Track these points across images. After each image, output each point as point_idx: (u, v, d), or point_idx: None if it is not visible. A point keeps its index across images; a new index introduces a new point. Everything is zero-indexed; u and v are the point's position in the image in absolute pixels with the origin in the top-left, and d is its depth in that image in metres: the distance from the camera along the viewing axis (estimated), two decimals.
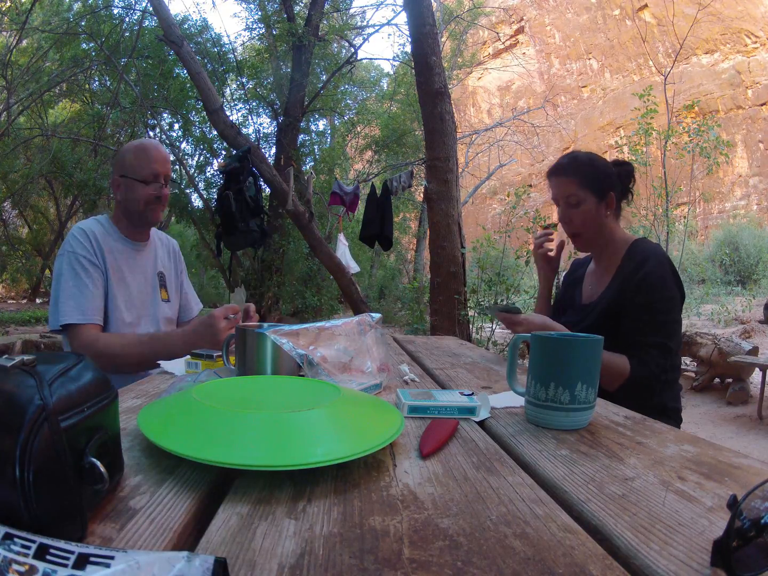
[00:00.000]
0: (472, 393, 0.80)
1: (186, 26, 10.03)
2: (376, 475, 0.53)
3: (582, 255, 1.62)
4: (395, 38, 21.98)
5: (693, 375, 5.55)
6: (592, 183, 1.34)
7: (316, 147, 11.69)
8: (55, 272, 1.46)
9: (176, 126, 11.17)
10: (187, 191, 10.78)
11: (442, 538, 0.40)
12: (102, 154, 10.16)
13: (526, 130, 15.49)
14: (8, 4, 8.71)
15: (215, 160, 10.84)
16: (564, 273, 1.71)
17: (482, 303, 5.29)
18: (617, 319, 1.29)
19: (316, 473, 0.52)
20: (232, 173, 4.52)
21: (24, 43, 10.04)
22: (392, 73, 13.76)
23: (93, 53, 9.30)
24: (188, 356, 1.12)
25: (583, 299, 1.46)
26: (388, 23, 10.67)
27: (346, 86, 11.74)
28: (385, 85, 14.78)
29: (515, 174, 23.23)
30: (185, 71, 6.75)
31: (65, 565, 0.28)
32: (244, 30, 11.61)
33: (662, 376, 1.24)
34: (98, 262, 1.45)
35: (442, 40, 11.66)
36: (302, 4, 10.62)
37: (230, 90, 10.97)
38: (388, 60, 16.63)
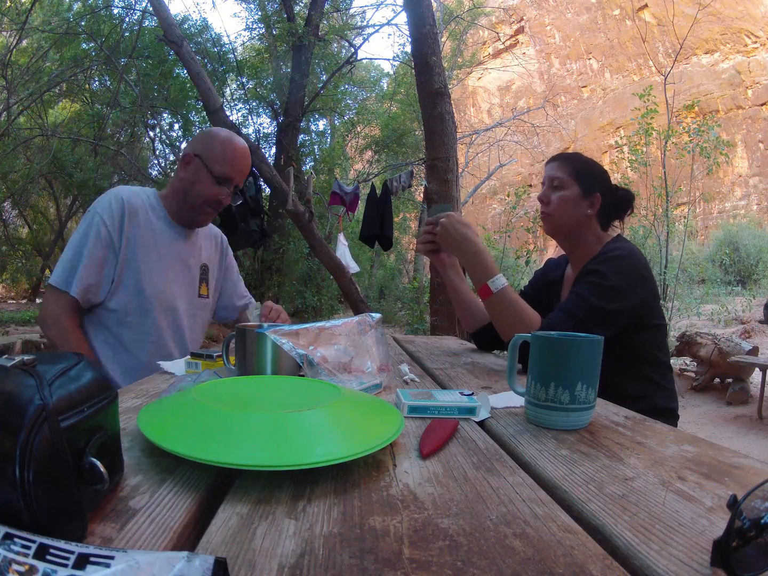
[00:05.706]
0: (472, 393, 0.80)
1: (186, 26, 10.03)
2: (376, 475, 0.53)
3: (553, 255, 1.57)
4: (395, 38, 22.00)
5: (693, 375, 5.55)
6: (581, 176, 1.35)
7: (316, 147, 11.70)
8: (78, 226, 1.39)
9: (176, 126, 11.18)
10: None
11: (442, 538, 0.40)
12: (102, 154, 10.14)
13: (526, 130, 15.50)
14: (8, 4, 8.70)
15: None
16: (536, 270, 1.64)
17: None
18: None
19: (316, 473, 0.52)
20: None
21: (24, 43, 10.03)
22: (392, 73, 13.77)
23: (93, 53, 9.30)
24: (188, 356, 1.11)
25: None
26: (388, 23, 10.69)
27: (346, 86, 11.74)
28: (385, 85, 14.78)
29: (515, 174, 23.22)
30: (185, 71, 6.75)
31: (65, 565, 0.28)
32: (244, 30, 11.64)
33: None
34: (116, 240, 1.35)
35: (442, 40, 11.66)
36: (302, 4, 10.63)
37: (230, 90, 10.98)
38: (388, 60, 16.66)
